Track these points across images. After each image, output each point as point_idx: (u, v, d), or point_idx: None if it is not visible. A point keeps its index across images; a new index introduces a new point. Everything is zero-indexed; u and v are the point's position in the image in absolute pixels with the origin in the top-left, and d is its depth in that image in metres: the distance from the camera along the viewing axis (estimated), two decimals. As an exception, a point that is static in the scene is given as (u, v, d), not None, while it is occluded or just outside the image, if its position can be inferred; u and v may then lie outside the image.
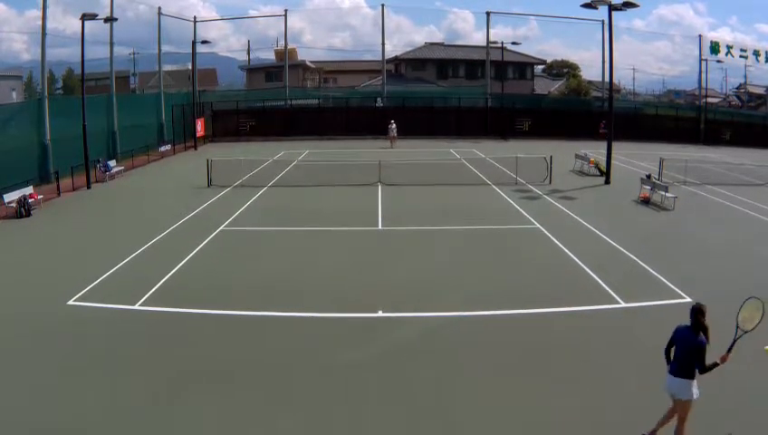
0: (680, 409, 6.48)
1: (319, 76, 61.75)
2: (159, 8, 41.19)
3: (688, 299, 11.26)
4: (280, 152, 35.03)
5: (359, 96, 50.43)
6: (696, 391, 6.41)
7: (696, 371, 6.36)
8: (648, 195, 21.06)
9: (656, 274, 12.75)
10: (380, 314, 10.62)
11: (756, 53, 50.75)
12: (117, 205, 21.07)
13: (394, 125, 38.66)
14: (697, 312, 6.51)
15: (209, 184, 23.65)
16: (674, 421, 6.59)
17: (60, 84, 68.32)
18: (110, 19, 28.81)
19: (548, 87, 63.11)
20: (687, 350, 6.37)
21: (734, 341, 6.37)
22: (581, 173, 27.75)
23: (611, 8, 24.54)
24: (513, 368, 8.68)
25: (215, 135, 42.79)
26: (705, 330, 6.46)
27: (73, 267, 13.40)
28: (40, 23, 28.12)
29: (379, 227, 17.19)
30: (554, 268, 13.40)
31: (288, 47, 49.14)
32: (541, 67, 65.15)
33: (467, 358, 8.98)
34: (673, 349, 6.56)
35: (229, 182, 23.83)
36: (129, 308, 10.91)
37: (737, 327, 6.46)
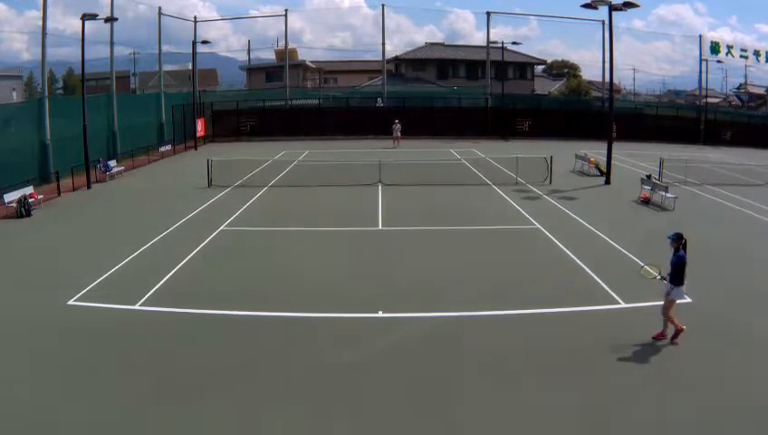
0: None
1: (319, 76, 61.76)
2: (159, 8, 41.23)
3: (688, 299, 11.24)
4: (280, 152, 35.02)
5: (359, 96, 50.42)
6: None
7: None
8: (648, 195, 21.05)
9: (656, 274, 12.72)
10: (380, 314, 10.62)
11: (756, 53, 50.71)
12: (117, 205, 21.07)
13: (398, 124, 38.60)
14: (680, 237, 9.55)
15: (209, 184, 23.65)
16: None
17: (60, 84, 68.43)
18: (110, 19, 28.83)
19: (548, 87, 63.15)
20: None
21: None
22: (581, 173, 27.74)
23: (611, 8, 24.53)
24: (513, 368, 8.68)
25: (215, 135, 42.76)
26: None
27: (73, 267, 13.40)
28: (40, 23, 28.16)
29: (380, 227, 17.19)
30: (554, 268, 13.40)
31: (288, 47, 49.14)
32: (541, 67, 65.20)
33: (467, 358, 8.98)
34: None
35: (229, 182, 23.83)
36: (129, 308, 10.91)
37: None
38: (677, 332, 9.38)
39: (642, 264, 10.17)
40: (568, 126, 44.43)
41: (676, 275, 9.31)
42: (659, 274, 9.61)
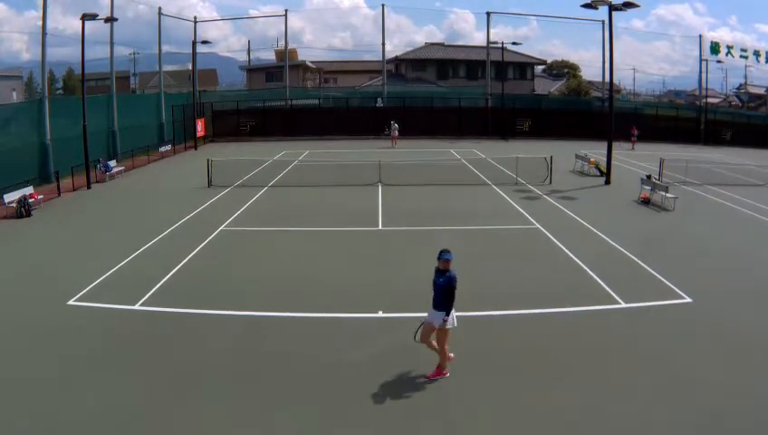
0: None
1: (319, 76, 61.78)
2: (159, 8, 41.28)
3: (688, 299, 11.28)
4: (280, 152, 35.03)
5: (359, 96, 50.46)
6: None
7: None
8: (648, 195, 21.05)
9: (656, 274, 12.75)
10: (380, 314, 10.62)
11: (756, 54, 50.78)
12: (117, 205, 21.07)
13: (395, 124, 38.85)
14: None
15: (209, 184, 23.65)
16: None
17: (60, 84, 68.44)
18: (110, 19, 28.83)
19: (548, 87, 63.17)
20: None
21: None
22: (581, 173, 27.75)
23: (611, 8, 24.55)
24: (512, 368, 8.67)
25: (215, 135, 42.80)
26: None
27: (73, 267, 13.40)
28: (40, 23, 28.17)
29: (380, 227, 17.19)
30: (554, 268, 13.39)
31: (288, 47, 49.18)
32: (541, 67, 65.23)
33: (467, 358, 8.96)
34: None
35: (229, 182, 23.84)
36: (129, 308, 10.90)
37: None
38: (441, 367, 8.26)
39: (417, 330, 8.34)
40: (568, 126, 44.49)
41: (449, 300, 8.00)
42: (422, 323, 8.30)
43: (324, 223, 17.53)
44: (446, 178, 24.62)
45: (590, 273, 12.85)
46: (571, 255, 14.23)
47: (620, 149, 35.42)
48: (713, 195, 22.68)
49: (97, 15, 25.27)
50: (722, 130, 46.80)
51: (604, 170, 25.86)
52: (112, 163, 27.73)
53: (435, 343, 8.20)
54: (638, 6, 24.07)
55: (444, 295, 8.04)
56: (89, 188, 23.96)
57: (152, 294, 11.60)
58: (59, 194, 22.59)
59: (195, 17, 44.94)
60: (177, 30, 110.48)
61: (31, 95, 54.00)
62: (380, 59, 48.32)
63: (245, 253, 14.86)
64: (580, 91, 61.50)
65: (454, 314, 8.12)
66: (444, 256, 8.17)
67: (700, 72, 49.18)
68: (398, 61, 58.80)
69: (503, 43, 44.28)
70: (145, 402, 7.71)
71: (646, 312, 10.75)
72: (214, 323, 10.36)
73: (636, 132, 39.59)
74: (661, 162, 25.88)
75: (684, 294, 11.48)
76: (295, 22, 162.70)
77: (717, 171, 28.63)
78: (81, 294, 11.57)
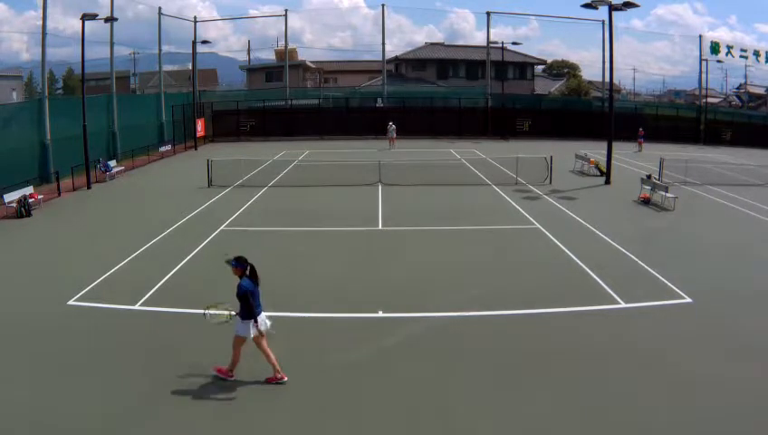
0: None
1: (319, 76, 61.77)
2: (160, 8, 41.26)
3: (688, 299, 11.28)
4: (280, 152, 35.03)
5: (359, 96, 50.43)
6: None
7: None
8: (648, 195, 21.05)
9: (656, 274, 12.75)
10: (380, 314, 10.62)
11: (756, 53, 50.80)
12: (117, 205, 21.07)
13: (393, 126, 38.83)
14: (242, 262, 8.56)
15: (209, 184, 23.65)
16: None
17: (60, 84, 68.46)
18: (110, 19, 28.79)
19: (548, 87, 63.16)
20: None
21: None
22: (582, 173, 27.75)
23: (611, 8, 24.56)
24: (512, 368, 8.67)
25: (215, 135, 42.79)
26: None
27: (73, 267, 13.40)
28: (40, 23, 28.18)
29: (380, 227, 17.19)
30: (554, 268, 13.39)
31: (288, 47, 49.18)
32: (541, 67, 65.18)
33: (467, 358, 8.98)
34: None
35: (229, 182, 23.84)
36: (129, 308, 10.90)
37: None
38: (231, 368, 8.22)
39: (204, 310, 8.43)
40: (568, 126, 44.51)
41: (242, 307, 7.98)
42: (229, 312, 8.20)
43: (324, 223, 17.53)
44: (446, 178, 24.62)
45: (590, 273, 12.85)
46: (570, 254, 14.23)
47: (624, 150, 35.47)
48: (713, 195, 22.69)
49: (97, 15, 25.26)
50: (722, 130, 46.81)
51: (604, 170, 25.87)
52: (112, 163, 27.73)
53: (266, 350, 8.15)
54: (638, 6, 24.09)
55: (240, 304, 8.02)
56: (89, 188, 23.95)
57: (152, 294, 11.60)
58: (59, 194, 22.59)
59: (195, 17, 44.95)
60: (177, 30, 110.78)
61: (31, 95, 53.98)
62: (380, 59, 48.30)
63: (245, 253, 14.76)
64: (580, 91, 61.52)
65: (263, 317, 8.06)
66: (226, 262, 8.39)
67: (700, 72, 49.24)
68: (398, 61, 58.78)
69: (503, 43, 44.32)
70: (145, 402, 7.70)
71: (646, 312, 10.75)
72: (213, 323, 10.33)
73: (643, 133, 39.38)
74: (661, 162, 25.88)
75: (684, 294, 11.48)
76: (295, 22, 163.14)
77: (717, 171, 28.64)
78: (81, 294, 11.57)
